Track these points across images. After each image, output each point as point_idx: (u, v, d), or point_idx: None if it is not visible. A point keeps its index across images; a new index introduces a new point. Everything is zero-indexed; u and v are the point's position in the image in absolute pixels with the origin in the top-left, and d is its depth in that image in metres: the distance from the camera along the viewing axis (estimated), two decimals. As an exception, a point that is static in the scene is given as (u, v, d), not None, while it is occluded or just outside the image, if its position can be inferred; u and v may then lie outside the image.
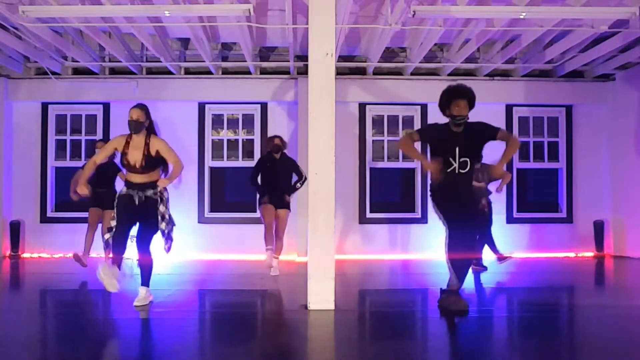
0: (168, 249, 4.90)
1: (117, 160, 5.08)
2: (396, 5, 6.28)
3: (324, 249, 4.77)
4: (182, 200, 8.22)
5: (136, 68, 8.61)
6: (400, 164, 9.07)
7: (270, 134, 7.91)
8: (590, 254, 8.93)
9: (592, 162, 9.09)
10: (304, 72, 8.06)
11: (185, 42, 8.64)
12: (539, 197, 9.42)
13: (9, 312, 4.91)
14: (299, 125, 8.50)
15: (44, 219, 8.77)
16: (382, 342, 3.90)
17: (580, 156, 9.10)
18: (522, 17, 6.01)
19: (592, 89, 9.04)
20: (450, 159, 4.56)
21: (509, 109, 9.03)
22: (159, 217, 4.75)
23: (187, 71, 8.93)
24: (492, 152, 5.13)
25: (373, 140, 9.03)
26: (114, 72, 8.84)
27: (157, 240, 4.85)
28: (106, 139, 8.03)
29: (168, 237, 4.87)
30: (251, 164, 7.54)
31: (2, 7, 6.03)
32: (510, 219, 8.91)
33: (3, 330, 4.26)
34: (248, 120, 8.98)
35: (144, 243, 4.80)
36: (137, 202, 4.71)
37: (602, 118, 9.09)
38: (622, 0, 6.08)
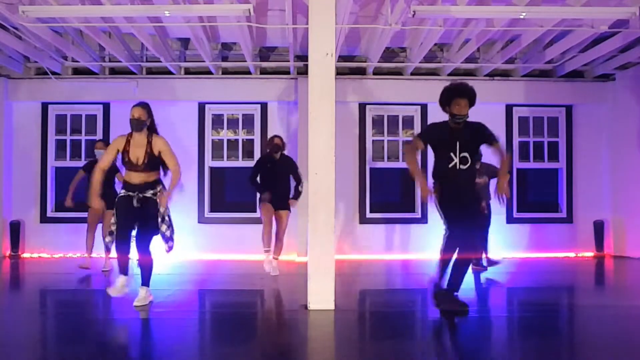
0: (169, 249, 4.90)
1: (117, 160, 5.05)
2: (396, 5, 6.28)
3: (324, 249, 4.77)
4: (182, 200, 8.22)
5: (136, 68, 8.61)
6: (400, 164, 9.06)
7: (270, 134, 7.91)
8: (590, 254, 8.93)
9: (592, 162, 9.10)
10: (304, 72, 8.06)
11: (185, 42, 8.65)
12: (539, 197, 9.42)
13: (9, 312, 4.91)
14: (299, 125, 8.50)
15: (44, 219, 8.77)
16: (382, 342, 3.90)
17: (580, 156, 9.11)
18: (522, 17, 6.01)
19: (592, 89, 9.05)
20: (451, 154, 4.54)
21: (509, 109, 9.03)
22: (159, 219, 4.75)
23: (187, 71, 8.93)
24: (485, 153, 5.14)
25: (373, 140, 9.03)
26: (114, 72, 8.84)
27: (157, 240, 4.85)
28: (105, 139, 8.06)
29: (169, 239, 4.86)
30: (251, 164, 7.53)
31: (2, 7, 6.03)
32: (510, 219, 8.91)
33: (3, 330, 4.26)
34: (248, 120, 8.98)
35: (143, 243, 4.80)
36: (135, 204, 4.69)
37: (602, 118, 9.09)
38: (622, 0, 6.09)
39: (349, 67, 8.92)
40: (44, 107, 8.83)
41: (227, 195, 9.24)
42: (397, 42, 8.34)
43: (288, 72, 8.78)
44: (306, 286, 4.79)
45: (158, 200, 4.75)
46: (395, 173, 9.25)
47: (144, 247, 4.81)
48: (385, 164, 9.06)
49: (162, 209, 4.76)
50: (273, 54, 8.83)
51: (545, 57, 8.11)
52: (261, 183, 6.75)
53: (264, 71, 8.97)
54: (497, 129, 8.74)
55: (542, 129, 9.22)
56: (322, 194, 4.78)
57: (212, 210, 8.88)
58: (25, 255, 8.66)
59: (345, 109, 8.63)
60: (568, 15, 6.14)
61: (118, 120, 8.37)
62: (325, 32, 4.82)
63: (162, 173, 4.92)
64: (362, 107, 8.92)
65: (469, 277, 5.23)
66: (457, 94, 4.55)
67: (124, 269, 4.81)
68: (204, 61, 8.33)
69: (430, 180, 4.71)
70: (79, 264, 7.04)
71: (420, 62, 8.32)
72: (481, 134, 4.63)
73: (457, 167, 4.55)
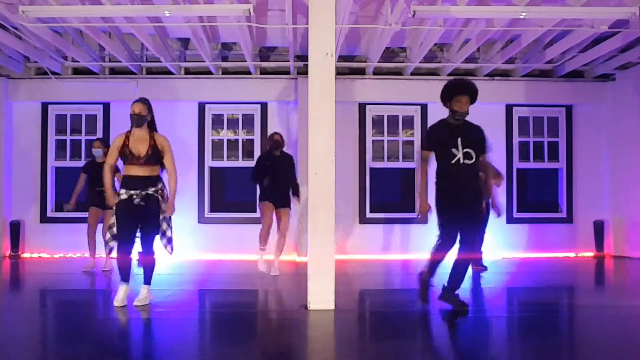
0: (171, 250, 4.92)
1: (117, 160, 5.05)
2: (396, 5, 6.28)
3: (324, 249, 4.77)
4: (182, 200, 8.19)
5: (136, 68, 8.61)
6: (400, 164, 9.07)
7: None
8: (590, 254, 8.93)
9: (592, 162, 9.10)
10: (304, 72, 8.06)
11: (185, 42, 8.65)
12: (539, 197, 9.42)
13: (9, 312, 4.91)
14: (299, 125, 8.50)
15: (44, 219, 8.77)
16: (382, 342, 3.90)
17: (580, 156, 9.11)
18: (522, 17, 6.01)
19: (592, 89, 9.05)
20: (453, 150, 4.52)
21: (509, 109, 9.03)
22: (161, 217, 4.76)
23: (187, 71, 8.93)
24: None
25: (373, 140, 9.03)
26: (114, 72, 8.85)
27: (158, 242, 4.86)
28: (105, 138, 8.04)
29: (168, 242, 4.87)
30: (251, 164, 7.53)
31: (2, 7, 6.03)
32: (510, 219, 8.91)
33: (3, 330, 4.26)
34: (248, 120, 8.98)
35: (147, 243, 4.81)
36: (136, 203, 4.67)
37: (602, 118, 9.09)
38: (622, 0, 6.09)
39: (349, 67, 8.92)
40: (44, 107, 8.83)
41: (227, 195, 9.24)
42: (397, 42, 8.34)
43: (288, 72, 8.78)
44: (306, 286, 4.79)
45: (159, 197, 4.75)
46: (395, 173, 9.25)
47: (147, 247, 4.82)
48: (385, 164, 9.06)
49: (163, 206, 4.77)
50: (273, 54, 8.83)
51: (545, 57, 8.11)
52: (262, 181, 6.72)
53: (264, 71, 8.97)
54: (497, 129, 8.85)
55: (542, 129, 9.22)
56: (322, 194, 4.78)
57: (212, 210, 8.88)
58: (25, 255, 8.66)
59: (345, 109, 8.63)
60: (568, 15, 6.14)
61: (118, 120, 8.37)
62: (325, 32, 4.82)
63: (160, 171, 4.92)
64: (362, 107, 8.92)
65: (468, 277, 5.22)
66: (458, 91, 4.53)
67: (125, 276, 4.81)
68: (204, 61, 8.34)
69: (433, 179, 4.70)
70: (82, 269, 7.00)
71: (420, 62, 8.32)
72: (478, 134, 4.63)
73: (461, 162, 4.51)
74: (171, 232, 4.89)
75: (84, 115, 8.94)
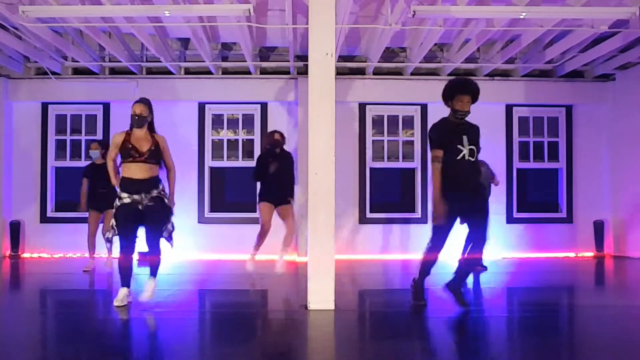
0: (172, 245, 4.97)
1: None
2: (396, 5, 6.28)
3: (324, 249, 4.77)
4: (182, 200, 8.20)
5: (136, 68, 8.61)
6: (400, 164, 9.07)
7: (270, 134, 7.90)
8: (590, 254, 8.93)
9: (592, 162, 9.10)
10: (304, 72, 8.06)
11: (185, 42, 8.65)
12: (538, 197, 9.41)
13: (9, 312, 4.91)
14: (299, 126, 8.50)
15: (44, 219, 8.77)
16: (382, 342, 3.90)
17: (580, 156, 9.11)
18: (522, 17, 6.01)
19: (592, 89, 9.05)
20: (459, 146, 4.54)
21: (509, 109, 9.03)
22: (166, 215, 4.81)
23: (187, 71, 8.93)
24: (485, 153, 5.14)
25: (373, 140, 9.03)
26: (114, 72, 8.84)
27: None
28: (103, 139, 8.05)
29: (169, 237, 4.90)
30: (251, 164, 7.53)
31: (2, 7, 6.03)
32: (510, 219, 8.91)
33: (3, 330, 4.26)
34: (248, 120, 8.98)
35: (154, 241, 4.84)
36: (141, 208, 4.68)
37: (602, 118, 9.09)
38: (622, 0, 6.09)
39: (349, 67, 8.92)
40: (44, 107, 8.83)
41: (227, 195, 9.24)
42: (397, 42, 8.34)
43: (288, 72, 8.78)
44: (306, 286, 4.79)
45: (164, 198, 4.79)
46: (395, 173, 9.25)
47: (155, 247, 4.85)
48: (385, 164, 9.06)
49: (167, 202, 4.82)
50: (273, 54, 8.83)
51: (545, 57, 8.11)
52: (263, 180, 6.70)
53: (264, 71, 8.97)
54: (497, 129, 8.86)
55: (542, 129, 9.22)
56: (322, 194, 4.78)
57: (212, 210, 8.88)
58: (25, 255, 8.66)
59: (345, 109, 8.64)
60: (568, 15, 6.14)
61: (118, 120, 8.36)
62: (325, 32, 4.82)
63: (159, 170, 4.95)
64: (362, 107, 8.92)
65: (468, 277, 5.22)
66: (460, 91, 4.54)
67: (126, 280, 4.81)
68: (204, 61, 8.33)
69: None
70: (83, 269, 7.02)
71: (420, 62, 8.32)
72: (479, 136, 4.67)
73: (466, 157, 4.54)
74: (173, 227, 4.91)
75: (84, 115, 8.94)
